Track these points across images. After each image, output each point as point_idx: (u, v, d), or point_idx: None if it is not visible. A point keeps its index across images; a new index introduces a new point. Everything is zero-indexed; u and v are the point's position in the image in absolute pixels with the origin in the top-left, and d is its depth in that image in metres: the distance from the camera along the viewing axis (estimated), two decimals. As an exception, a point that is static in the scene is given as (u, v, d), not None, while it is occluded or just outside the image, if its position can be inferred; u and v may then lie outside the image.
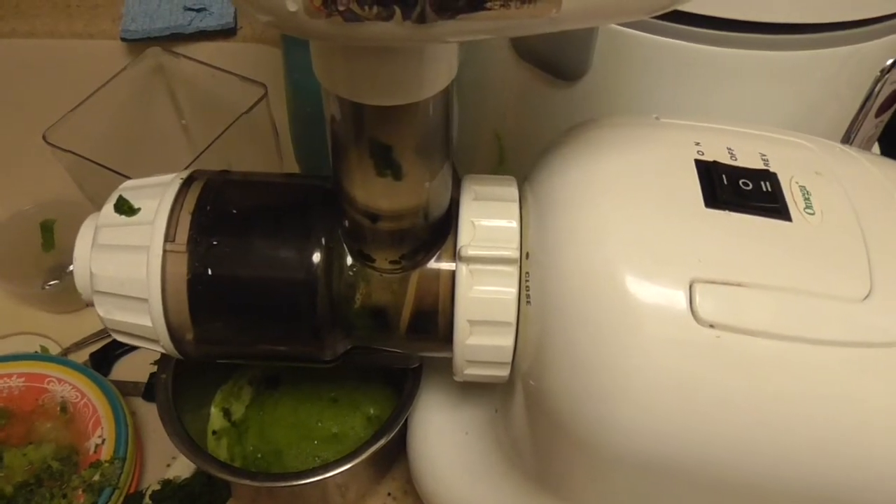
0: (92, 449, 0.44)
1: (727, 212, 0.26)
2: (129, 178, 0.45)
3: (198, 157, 0.47)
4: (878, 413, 0.24)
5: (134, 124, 0.59)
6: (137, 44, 0.64)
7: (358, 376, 0.40)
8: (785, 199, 0.27)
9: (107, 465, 0.42)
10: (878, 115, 0.38)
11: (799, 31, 0.32)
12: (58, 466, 0.44)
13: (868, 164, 0.30)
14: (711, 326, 0.24)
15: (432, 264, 0.28)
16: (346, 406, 0.40)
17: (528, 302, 0.27)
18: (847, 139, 0.39)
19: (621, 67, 0.36)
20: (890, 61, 0.35)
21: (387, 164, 0.25)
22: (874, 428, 0.24)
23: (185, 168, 0.47)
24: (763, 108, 0.36)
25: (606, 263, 0.25)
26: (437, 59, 0.23)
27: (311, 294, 0.28)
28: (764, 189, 0.27)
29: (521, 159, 0.30)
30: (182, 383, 0.38)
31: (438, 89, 0.23)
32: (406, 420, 0.37)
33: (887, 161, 0.32)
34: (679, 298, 0.24)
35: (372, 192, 0.26)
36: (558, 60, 0.37)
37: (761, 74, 0.34)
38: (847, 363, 0.24)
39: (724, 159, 0.28)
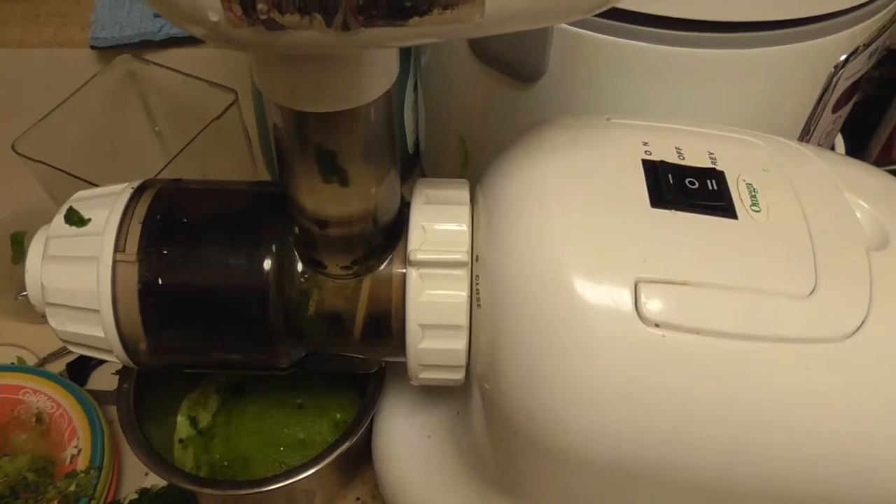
0: (68, 459, 0.43)
1: (673, 211, 0.26)
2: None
3: (168, 164, 0.47)
4: (826, 408, 0.24)
5: (106, 133, 0.58)
6: (107, 52, 0.64)
7: (324, 381, 0.40)
8: (731, 197, 0.27)
9: (83, 475, 0.42)
10: (835, 110, 0.39)
11: (752, 29, 0.33)
12: (33, 478, 0.44)
13: (819, 161, 0.30)
14: (657, 326, 0.24)
15: (385, 269, 0.28)
16: (313, 411, 0.40)
17: (479, 305, 0.27)
18: (805, 135, 0.39)
19: (579, 69, 0.36)
20: (844, 56, 0.36)
21: (332, 170, 0.25)
22: (824, 423, 0.25)
23: (156, 175, 0.47)
24: (720, 107, 0.36)
25: (553, 265, 0.25)
26: (375, 64, 0.23)
27: (263, 302, 0.28)
28: (710, 187, 0.27)
29: (485, 161, 0.30)
30: (148, 392, 0.38)
31: (379, 93, 0.24)
32: (371, 423, 0.37)
33: (840, 158, 0.32)
34: (624, 299, 0.24)
35: (319, 199, 0.26)
36: (515, 62, 0.37)
37: (717, 73, 0.34)
38: (793, 359, 0.24)
39: (672, 158, 0.28)
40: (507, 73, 0.38)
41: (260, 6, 0.17)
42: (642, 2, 0.32)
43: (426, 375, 0.29)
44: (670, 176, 0.27)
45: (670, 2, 0.32)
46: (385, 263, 0.28)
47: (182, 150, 0.48)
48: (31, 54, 0.65)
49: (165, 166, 0.47)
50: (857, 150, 0.50)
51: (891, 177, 0.31)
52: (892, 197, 0.29)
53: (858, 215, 0.28)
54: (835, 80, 0.36)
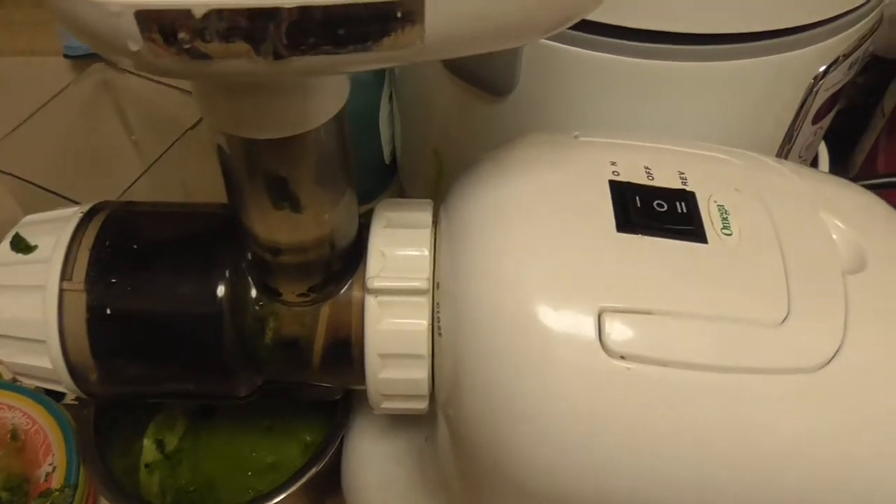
0: (42, 477, 0.42)
1: (640, 235, 0.25)
2: (74, 202, 0.44)
3: (143, 173, 0.46)
4: (798, 440, 0.23)
5: (81, 143, 0.57)
6: (81, 60, 0.63)
7: (293, 403, 0.39)
8: (701, 220, 0.26)
9: (57, 493, 0.41)
10: (815, 122, 0.38)
11: (729, 41, 0.32)
12: (7, 497, 0.43)
13: (795, 179, 0.29)
14: (622, 357, 0.23)
15: (344, 295, 0.27)
16: (282, 434, 0.39)
17: (440, 333, 0.26)
18: (785, 147, 0.38)
19: (552, 82, 0.35)
20: (823, 68, 0.35)
21: (283, 196, 0.24)
22: (799, 457, 0.24)
23: (132, 184, 0.46)
24: (696, 120, 0.35)
25: (514, 293, 0.24)
26: (323, 87, 0.22)
27: (217, 330, 0.27)
28: (679, 210, 0.26)
29: (459, 175, 0.29)
30: (112, 415, 0.37)
31: (328, 117, 0.22)
32: (340, 447, 0.36)
33: (818, 174, 0.31)
34: (588, 329, 0.23)
35: (271, 226, 0.25)
36: (486, 75, 0.36)
37: (693, 86, 0.33)
38: (765, 391, 0.23)
39: (640, 179, 0.27)
40: (478, 86, 0.37)
41: (181, 35, 0.16)
42: (616, 14, 0.31)
43: (388, 405, 0.28)
44: (638, 198, 0.26)
45: (645, 14, 0.31)
46: (344, 289, 0.27)
47: (158, 160, 0.47)
48: (5, 63, 0.64)
49: (140, 176, 0.46)
50: (840, 158, 0.49)
51: (870, 194, 0.30)
52: (871, 216, 0.28)
53: (835, 237, 0.27)
54: (814, 91, 0.35)
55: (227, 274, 0.27)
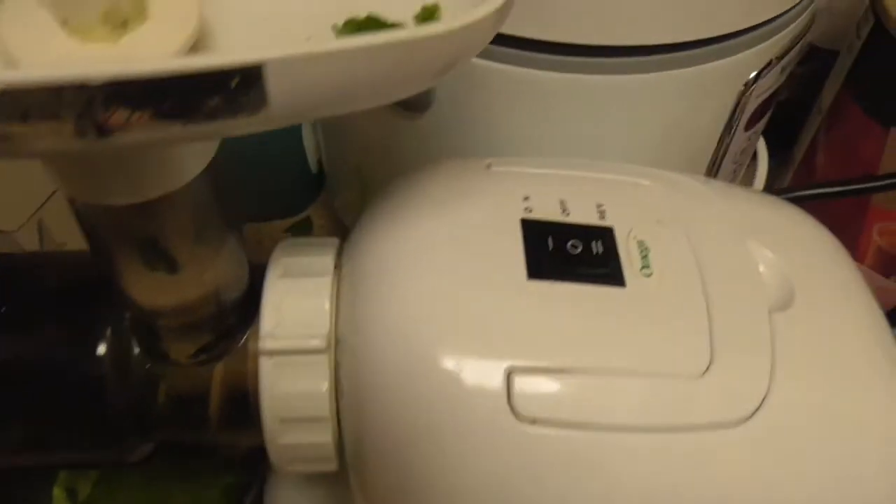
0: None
1: (552, 282, 0.23)
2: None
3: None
4: (725, 499, 0.22)
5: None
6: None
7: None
8: (619, 260, 0.24)
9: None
10: (748, 128, 0.36)
11: (654, 52, 0.30)
12: None
13: (720, 204, 0.27)
14: (534, 422, 0.21)
15: (239, 351, 0.25)
16: (202, 476, 0.37)
17: (342, 395, 0.24)
18: (718, 156, 0.36)
19: (471, 99, 0.33)
20: (753, 74, 0.33)
21: (156, 257, 0.22)
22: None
23: (42, 204, 0.43)
24: (623, 134, 0.33)
25: (417, 351, 0.22)
26: (183, 152, 0.19)
27: (99, 395, 0.25)
28: (594, 251, 0.24)
29: (364, 209, 0.27)
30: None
31: (194, 175, 0.20)
32: (261, 493, 0.34)
33: (748, 195, 0.29)
34: (497, 391, 0.21)
35: (148, 290, 0.23)
36: (399, 91, 0.33)
37: (618, 99, 0.31)
38: (689, 449, 0.22)
39: (554, 215, 0.25)
40: (395, 103, 0.34)
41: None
42: (536, 28, 0.29)
43: (295, 468, 0.26)
44: (550, 239, 0.24)
45: (567, 27, 0.29)
46: (241, 343, 0.25)
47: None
48: None
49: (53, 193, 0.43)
50: (780, 152, 0.48)
51: (801, 216, 0.29)
52: (801, 243, 0.27)
53: (762, 269, 0.25)
54: (745, 98, 0.33)
55: (108, 333, 0.25)
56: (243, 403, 0.25)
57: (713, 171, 0.37)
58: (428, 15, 0.18)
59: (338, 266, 0.26)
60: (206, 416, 0.26)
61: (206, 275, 0.23)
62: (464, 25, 0.14)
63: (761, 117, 0.36)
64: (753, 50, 0.32)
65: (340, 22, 0.18)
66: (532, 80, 0.31)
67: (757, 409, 0.22)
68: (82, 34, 0.18)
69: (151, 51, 0.18)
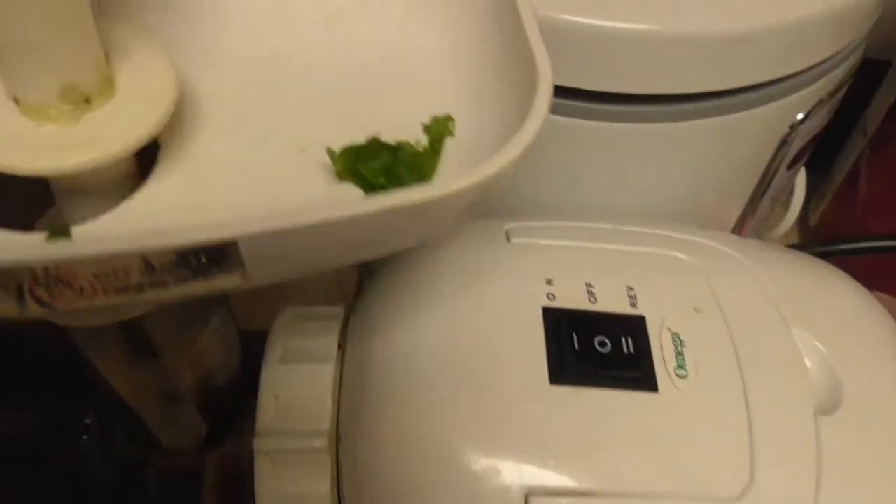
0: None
1: (577, 388, 0.21)
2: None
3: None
4: None
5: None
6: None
7: None
8: (651, 361, 0.22)
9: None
10: (791, 167, 0.33)
11: (699, 100, 0.27)
12: None
13: (764, 280, 0.24)
14: (552, 551, 0.19)
15: (234, 442, 0.23)
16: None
17: (344, 497, 0.22)
18: (757, 194, 0.33)
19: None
20: (800, 116, 0.30)
21: (135, 345, 0.20)
22: None
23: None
24: (663, 179, 0.30)
25: (426, 465, 0.20)
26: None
27: (81, 478, 0.23)
28: (625, 350, 0.22)
29: (373, 286, 0.25)
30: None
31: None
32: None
33: (790, 265, 0.26)
34: (514, 516, 0.19)
35: (128, 378, 0.21)
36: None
37: (660, 147, 0.29)
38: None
39: (580, 302, 0.22)
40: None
41: None
42: (581, 78, 0.26)
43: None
44: (576, 336, 0.22)
45: (610, 77, 0.26)
46: (235, 434, 0.23)
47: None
48: None
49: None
50: (819, 169, 0.45)
51: (846, 284, 0.26)
52: (848, 323, 0.24)
53: (808, 363, 0.23)
54: (790, 138, 0.31)
55: (89, 418, 0.23)
56: (238, 491, 0.24)
57: (752, 208, 0.34)
58: (439, 127, 0.16)
59: (341, 346, 0.24)
60: (198, 503, 0.24)
61: (189, 357, 0.21)
62: (450, 193, 0.12)
63: (804, 156, 0.33)
64: (802, 92, 0.29)
65: (338, 136, 0.16)
66: (573, 130, 0.28)
67: (799, 536, 0.20)
68: (37, 113, 0.15)
69: (116, 133, 0.15)
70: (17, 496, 0.24)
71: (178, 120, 0.16)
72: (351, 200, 0.12)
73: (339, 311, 0.25)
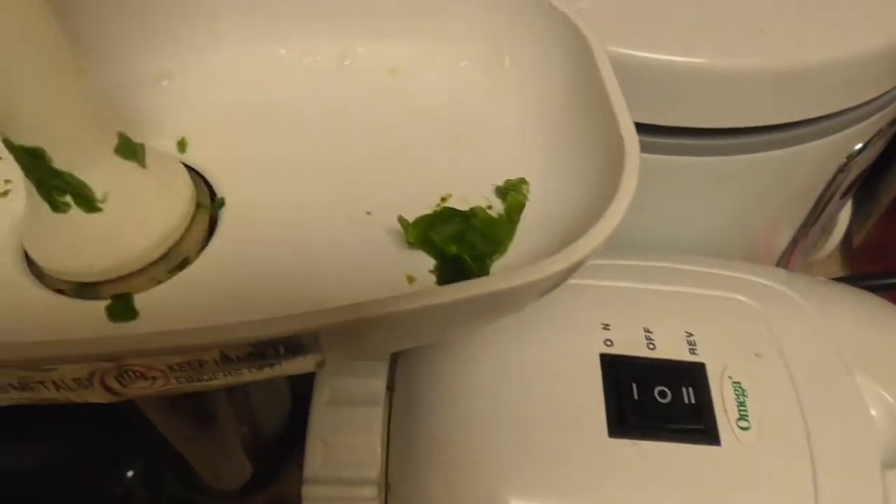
0: None
1: (636, 441, 0.20)
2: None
3: None
4: None
5: None
6: None
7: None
8: (713, 412, 0.21)
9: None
10: (844, 196, 0.32)
11: (757, 133, 0.26)
12: None
13: (821, 321, 0.24)
14: None
15: (279, 487, 0.23)
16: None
17: (394, 548, 0.22)
18: (809, 222, 0.32)
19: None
20: (859, 146, 0.29)
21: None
22: None
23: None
24: (717, 210, 0.30)
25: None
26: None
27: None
28: (686, 400, 0.21)
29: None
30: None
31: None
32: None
33: (845, 302, 0.26)
34: (572, 574, 0.19)
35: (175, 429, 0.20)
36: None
37: (717, 178, 0.28)
38: None
39: (639, 349, 0.22)
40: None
41: None
42: (641, 112, 0.25)
43: None
44: (635, 386, 0.21)
45: (668, 111, 0.25)
46: (282, 477, 0.23)
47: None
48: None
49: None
50: (864, 196, 0.43)
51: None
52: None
53: (873, 412, 0.22)
54: (847, 168, 0.30)
55: (138, 456, 0.23)
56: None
57: (803, 235, 0.33)
58: (514, 191, 0.15)
59: (390, 387, 0.23)
60: (244, 546, 0.24)
61: (237, 403, 0.20)
62: (521, 284, 0.11)
63: (854, 187, 0.32)
64: (862, 124, 0.28)
65: (405, 198, 0.15)
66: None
67: None
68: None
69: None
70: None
71: (237, 177, 0.16)
72: (434, 289, 0.11)
73: (383, 360, 0.25)
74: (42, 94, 0.13)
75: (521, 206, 0.15)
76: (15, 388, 0.11)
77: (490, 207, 0.15)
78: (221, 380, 0.11)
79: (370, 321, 0.11)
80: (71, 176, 0.14)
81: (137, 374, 0.11)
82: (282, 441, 0.23)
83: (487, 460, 0.20)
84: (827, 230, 0.39)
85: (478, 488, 0.20)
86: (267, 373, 0.12)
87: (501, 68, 0.17)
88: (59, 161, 0.14)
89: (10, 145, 0.13)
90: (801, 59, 0.24)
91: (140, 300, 0.14)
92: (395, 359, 0.24)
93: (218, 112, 0.17)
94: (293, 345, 0.11)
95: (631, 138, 0.13)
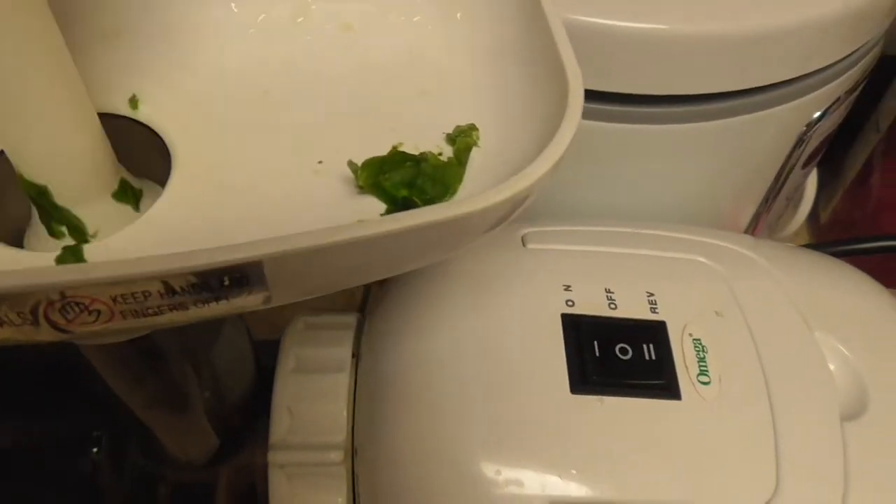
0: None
1: (598, 397, 0.20)
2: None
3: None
4: None
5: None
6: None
7: None
8: (673, 368, 0.21)
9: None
10: (805, 166, 0.33)
11: (716, 100, 0.26)
12: None
13: (786, 283, 0.24)
14: (576, 563, 0.19)
15: (246, 455, 0.23)
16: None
17: (360, 512, 0.22)
18: (772, 194, 0.33)
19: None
20: (817, 114, 0.29)
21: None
22: None
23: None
24: (681, 179, 0.30)
25: (449, 473, 0.20)
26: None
27: (93, 493, 0.22)
28: (647, 357, 0.21)
29: (386, 292, 0.24)
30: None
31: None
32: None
33: (812, 266, 0.26)
34: (536, 529, 0.19)
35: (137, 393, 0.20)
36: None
37: (677, 147, 0.28)
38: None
39: (601, 309, 0.22)
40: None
41: None
42: (597, 80, 0.25)
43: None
44: (596, 344, 0.21)
45: (626, 79, 0.25)
46: (246, 448, 0.23)
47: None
48: None
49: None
50: (830, 172, 0.44)
51: (865, 283, 0.26)
52: (874, 329, 0.24)
53: (832, 367, 0.22)
54: (807, 137, 0.30)
55: (102, 429, 0.22)
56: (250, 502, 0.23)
57: (767, 207, 0.34)
58: (464, 137, 0.15)
59: (355, 354, 0.23)
60: (212, 518, 0.23)
61: (200, 369, 0.20)
62: (467, 212, 0.11)
63: (817, 156, 0.33)
64: (820, 91, 0.28)
65: (358, 148, 0.15)
66: (593, 132, 0.27)
67: (825, 548, 0.20)
68: None
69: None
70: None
71: (190, 133, 0.16)
72: (378, 219, 0.11)
73: (352, 319, 0.25)
74: (54, 137, 0.14)
75: (468, 148, 0.15)
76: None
77: (441, 154, 0.15)
78: (168, 315, 0.11)
79: (310, 251, 0.11)
80: (69, 212, 0.15)
81: (81, 306, 0.11)
82: (247, 412, 0.23)
83: (452, 422, 0.20)
84: (794, 205, 0.40)
85: (443, 450, 0.20)
86: (214, 308, 0.12)
87: (454, 22, 0.17)
88: (61, 199, 0.15)
89: (19, 177, 0.14)
90: (758, 26, 0.25)
91: (89, 251, 0.14)
92: (360, 327, 0.24)
93: (169, 70, 0.17)
94: (237, 276, 0.11)
95: (575, 76, 0.13)
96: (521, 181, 0.12)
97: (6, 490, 0.23)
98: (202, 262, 0.10)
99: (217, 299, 0.11)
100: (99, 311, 0.11)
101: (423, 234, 0.11)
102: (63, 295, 0.11)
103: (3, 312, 0.11)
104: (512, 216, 0.13)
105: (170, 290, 0.11)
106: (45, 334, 0.11)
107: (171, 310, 0.11)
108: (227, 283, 0.11)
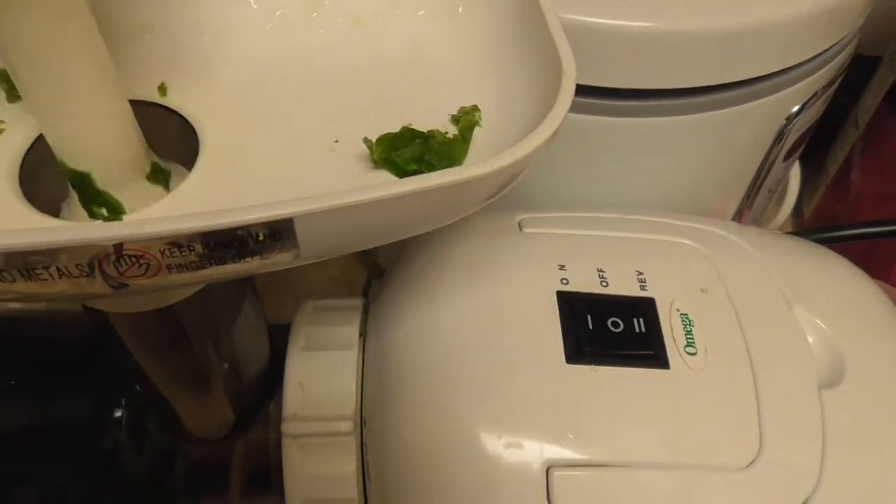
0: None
1: (592, 367, 0.22)
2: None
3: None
4: None
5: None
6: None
7: None
8: (662, 339, 0.23)
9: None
10: (786, 159, 0.34)
11: (698, 94, 0.28)
12: None
13: (767, 264, 0.26)
14: (574, 522, 0.20)
15: (260, 428, 0.24)
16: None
17: (369, 479, 0.23)
18: (754, 187, 0.35)
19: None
20: (796, 108, 0.31)
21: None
22: None
23: None
24: (661, 173, 0.31)
25: (450, 442, 0.21)
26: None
27: (113, 467, 0.24)
28: (637, 329, 0.23)
29: (390, 275, 0.26)
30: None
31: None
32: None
33: (792, 250, 0.28)
34: (536, 488, 0.20)
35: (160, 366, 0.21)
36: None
37: (659, 141, 0.30)
38: (733, 545, 0.21)
39: (593, 287, 0.23)
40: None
41: None
42: (581, 75, 0.26)
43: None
44: (590, 318, 0.23)
45: (609, 73, 0.27)
46: (260, 422, 0.24)
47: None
48: None
49: None
50: (813, 168, 0.46)
51: (842, 266, 0.27)
52: (846, 302, 0.26)
53: (811, 339, 0.24)
54: (786, 131, 0.32)
55: (122, 402, 0.24)
56: (264, 483, 0.25)
57: (749, 201, 0.35)
58: (467, 116, 0.17)
59: (363, 334, 0.25)
60: (226, 490, 0.25)
61: (220, 345, 0.21)
62: (481, 174, 0.13)
63: (800, 147, 0.35)
64: (798, 85, 0.30)
65: (370, 130, 0.17)
66: (575, 126, 0.29)
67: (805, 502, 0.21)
68: None
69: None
70: (48, 488, 0.25)
71: (216, 118, 0.17)
72: (397, 181, 0.13)
73: (358, 302, 0.26)
74: (96, 128, 0.15)
75: (472, 126, 0.17)
76: (22, 275, 0.12)
77: (447, 133, 0.17)
78: (208, 270, 0.13)
79: (337, 210, 0.12)
80: (109, 195, 0.16)
81: (134, 259, 0.12)
82: (261, 390, 0.24)
83: (453, 394, 0.22)
84: (778, 200, 0.41)
85: (446, 421, 0.22)
86: (250, 263, 0.13)
87: (456, 15, 0.18)
88: (102, 183, 0.16)
89: (63, 166, 0.16)
90: (739, 22, 0.26)
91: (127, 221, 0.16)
92: (366, 308, 0.26)
93: (195, 62, 0.18)
94: (271, 232, 0.12)
95: (568, 60, 0.15)
96: (522, 149, 0.13)
97: (27, 469, 0.24)
98: (244, 217, 0.12)
99: (252, 254, 0.13)
100: (148, 265, 0.12)
101: (435, 196, 0.13)
102: (119, 248, 0.12)
103: (63, 264, 0.12)
104: (511, 184, 0.15)
105: (212, 244, 0.12)
106: (98, 286, 0.13)
107: (211, 264, 0.13)
108: (261, 238, 0.13)
